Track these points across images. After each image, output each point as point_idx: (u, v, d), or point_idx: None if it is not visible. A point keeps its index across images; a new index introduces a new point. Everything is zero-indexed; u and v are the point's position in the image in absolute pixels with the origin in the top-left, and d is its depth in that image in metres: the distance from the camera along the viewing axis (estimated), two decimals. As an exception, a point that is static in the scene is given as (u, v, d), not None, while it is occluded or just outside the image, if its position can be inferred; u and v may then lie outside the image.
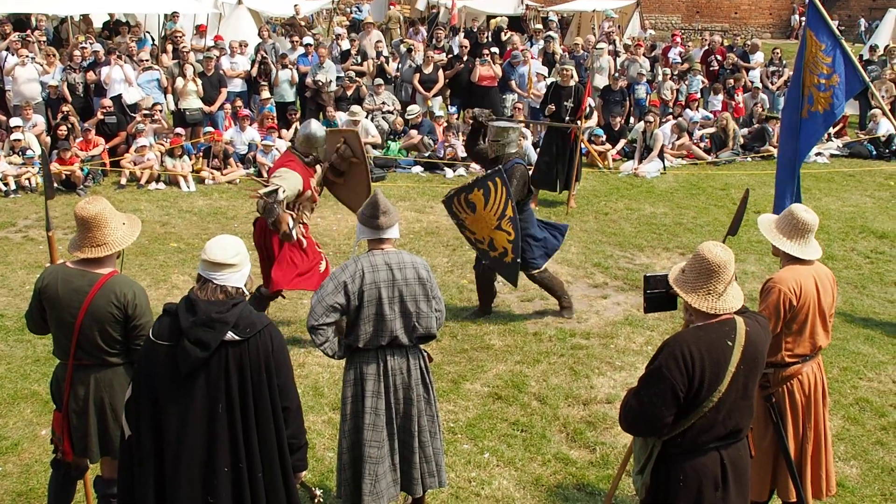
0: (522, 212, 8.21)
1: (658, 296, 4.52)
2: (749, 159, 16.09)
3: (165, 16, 19.92)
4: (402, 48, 17.75)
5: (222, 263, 4.02)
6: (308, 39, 17.94)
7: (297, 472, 4.33)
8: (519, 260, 8.07)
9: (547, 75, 16.77)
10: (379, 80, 16.50)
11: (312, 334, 4.92)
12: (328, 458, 6.19)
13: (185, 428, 3.98)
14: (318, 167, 8.08)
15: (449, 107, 16.72)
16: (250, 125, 15.08)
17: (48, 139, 14.17)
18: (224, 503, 4.03)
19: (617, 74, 16.79)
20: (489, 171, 8.02)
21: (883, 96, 16.35)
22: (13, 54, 15.33)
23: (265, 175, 13.76)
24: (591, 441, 6.44)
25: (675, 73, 18.12)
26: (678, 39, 21.11)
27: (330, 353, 5.00)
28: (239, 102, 15.60)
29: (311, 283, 7.76)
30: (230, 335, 3.96)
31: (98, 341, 4.64)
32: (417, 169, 15.07)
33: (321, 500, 4.77)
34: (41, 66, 15.47)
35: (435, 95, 16.57)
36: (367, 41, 18.24)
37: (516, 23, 25.28)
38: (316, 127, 7.87)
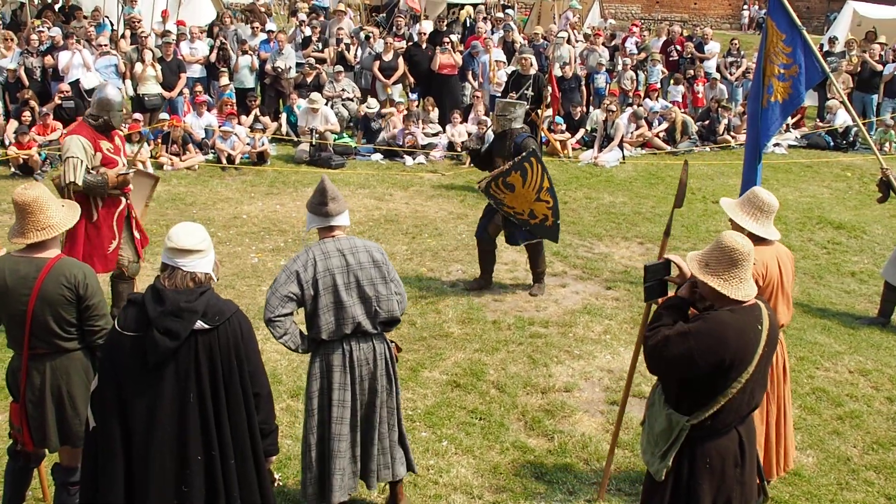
0: None
1: (656, 284, 4.71)
2: (707, 149, 16.27)
3: (124, 0, 19.64)
4: (362, 35, 17.68)
5: (190, 250, 4.02)
6: (271, 26, 17.81)
7: (269, 456, 4.36)
8: (559, 222, 8.70)
9: (507, 63, 16.82)
10: (339, 67, 16.44)
11: (270, 327, 4.86)
12: (286, 446, 6.19)
13: (155, 418, 3.98)
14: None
15: (409, 94, 16.70)
16: (208, 111, 14.97)
17: (5, 123, 13.96)
18: (197, 491, 4.05)
19: (563, 63, 16.81)
20: (523, 154, 8.39)
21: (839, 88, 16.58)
22: (-32, 37, 15.07)
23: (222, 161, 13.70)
24: (549, 429, 6.51)
25: (634, 63, 18.25)
26: (635, 29, 21.25)
27: (292, 347, 4.94)
28: (199, 88, 15.47)
29: (102, 264, 7.59)
30: (199, 324, 3.96)
31: (52, 326, 4.61)
32: (377, 156, 15.06)
33: (281, 483, 4.80)
34: (-1, 50, 15.24)
35: (395, 83, 16.54)
36: (334, 28, 18.13)
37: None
38: (111, 91, 7.66)
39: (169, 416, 3.99)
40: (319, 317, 4.88)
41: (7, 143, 13.60)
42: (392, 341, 5.24)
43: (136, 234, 7.97)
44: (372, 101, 15.58)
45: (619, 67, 18.12)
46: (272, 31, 17.21)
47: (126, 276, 7.93)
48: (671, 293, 4.84)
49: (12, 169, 13.13)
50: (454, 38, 17.36)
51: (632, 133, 16.05)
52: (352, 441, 5.06)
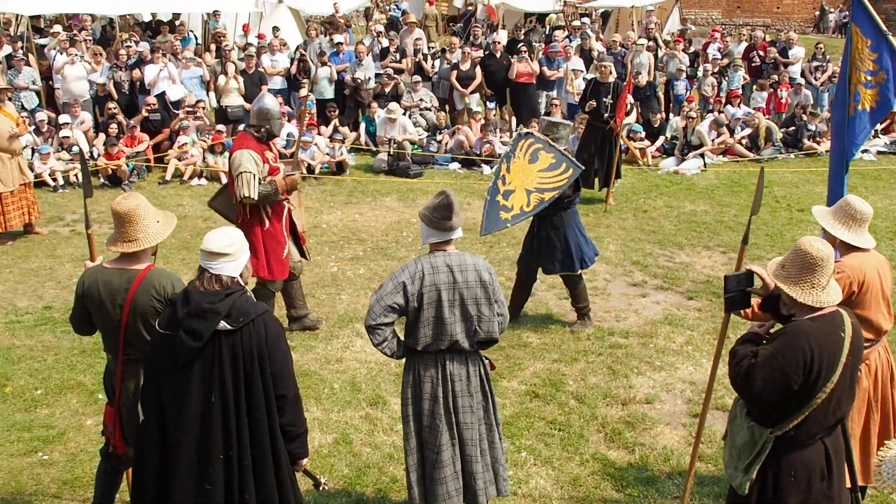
0: (568, 208, 8.18)
1: (737, 295, 4.62)
2: (792, 156, 15.90)
3: (208, 14, 20.12)
4: (439, 45, 17.75)
5: (217, 252, 4.13)
6: (339, 37, 18.03)
7: (298, 459, 4.40)
8: (510, 226, 8.06)
9: (584, 72, 16.72)
10: (417, 78, 16.54)
11: (370, 334, 4.84)
12: (365, 454, 6.24)
13: (182, 416, 4.11)
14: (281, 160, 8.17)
15: (487, 103, 16.72)
16: (289, 121, 15.19)
17: (95, 136, 14.43)
18: (219, 489, 4.13)
19: (637, 72, 16.63)
20: (572, 158, 8.09)
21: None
22: (62, 53, 15.62)
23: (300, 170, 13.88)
24: (629, 442, 6.42)
25: (716, 69, 17.95)
26: (717, 35, 20.90)
27: (388, 353, 4.93)
28: (279, 99, 15.70)
29: (280, 270, 7.79)
30: (223, 324, 4.05)
31: (144, 335, 4.72)
32: (455, 165, 15.08)
33: (326, 487, 4.82)
34: (89, 64, 15.76)
35: (472, 92, 16.57)
36: (409, 39, 18.29)
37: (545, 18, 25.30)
38: (269, 101, 7.89)
39: (194, 415, 4.11)
40: (419, 329, 4.85)
41: (97, 154, 14.02)
42: (486, 358, 5.17)
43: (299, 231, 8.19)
44: (393, 105, 15.55)
45: (700, 73, 17.84)
46: (340, 44, 17.41)
47: (294, 275, 8.12)
48: (754, 303, 4.75)
49: (101, 179, 13.54)
50: (535, 45, 17.30)
51: (713, 140, 15.78)
52: (451, 455, 4.97)
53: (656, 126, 15.87)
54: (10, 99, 12.30)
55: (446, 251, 4.94)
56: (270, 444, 4.20)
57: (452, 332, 4.85)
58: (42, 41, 17.92)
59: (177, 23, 20.06)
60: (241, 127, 8.07)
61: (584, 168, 8.01)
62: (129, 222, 4.66)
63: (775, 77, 17.72)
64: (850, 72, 8.13)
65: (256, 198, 7.35)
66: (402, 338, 5.00)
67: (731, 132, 16.08)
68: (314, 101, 16.07)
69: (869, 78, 7.98)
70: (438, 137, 15.45)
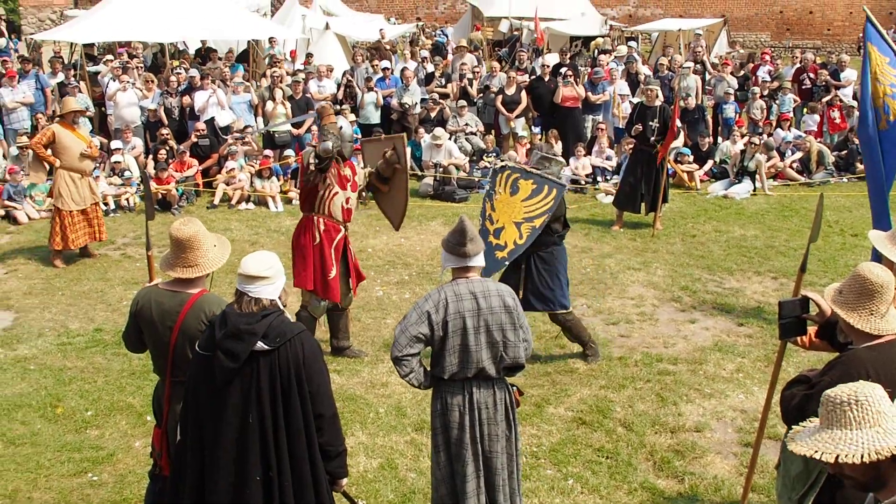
0: (559, 243, 8.00)
1: (792, 321, 4.54)
2: (844, 180, 15.63)
3: (269, 40, 20.40)
4: (484, 69, 17.80)
5: (255, 276, 4.14)
6: (385, 63, 18.17)
7: (338, 479, 4.38)
8: (507, 263, 7.85)
9: (630, 95, 16.65)
10: (462, 102, 16.58)
11: (396, 365, 4.82)
12: (410, 479, 6.20)
13: (220, 436, 4.13)
14: (359, 170, 8.36)
15: (532, 127, 16.70)
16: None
17: (146, 161, 14.67)
18: None
19: (686, 94, 16.52)
20: (552, 179, 7.82)
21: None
22: (115, 80, 15.92)
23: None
24: (679, 471, 6.30)
25: (766, 91, 17.76)
26: (767, 57, 20.70)
27: (416, 384, 4.90)
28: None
29: (323, 290, 7.89)
30: (260, 345, 4.06)
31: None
32: (501, 190, 15.04)
33: None
34: (140, 91, 16.05)
35: (518, 116, 16.57)
36: (458, 64, 18.38)
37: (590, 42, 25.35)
38: (342, 123, 8.09)
39: (232, 435, 4.12)
40: (444, 357, 4.82)
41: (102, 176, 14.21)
42: (514, 385, 5.12)
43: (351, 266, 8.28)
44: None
45: (749, 97, 17.66)
46: (387, 69, 17.54)
47: (340, 307, 8.21)
48: (810, 330, 4.65)
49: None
50: (580, 69, 17.28)
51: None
52: (476, 486, 4.94)
53: (704, 150, 15.73)
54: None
55: (468, 278, 4.90)
56: (309, 463, 4.19)
57: (479, 360, 4.82)
58: (94, 68, 18.29)
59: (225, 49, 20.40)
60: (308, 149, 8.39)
61: (566, 186, 7.75)
62: (189, 248, 4.70)
63: (826, 100, 17.48)
64: (872, 88, 8.10)
65: (330, 145, 7.65)
66: (429, 367, 4.97)
67: (782, 156, 15.88)
68: (359, 127, 16.18)
69: (894, 90, 8.00)
70: (481, 164, 15.43)
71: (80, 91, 15.93)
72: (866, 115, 8.25)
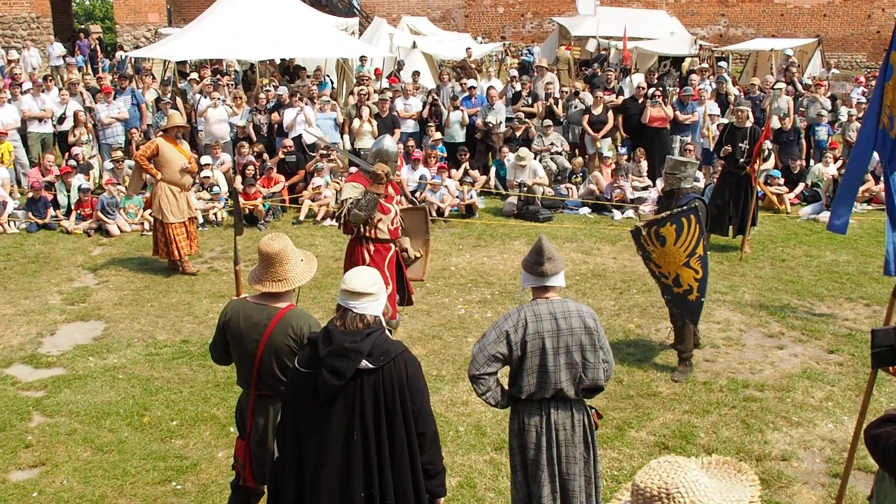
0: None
1: (886, 350, 4.41)
2: (942, 205, 15.08)
3: (360, 58, 20.75)
4: (569, 89, 17.75)
5: (361, 293, 4.13)
6: (471, 82, 18.22)
7: (436, 497, 4.36)
8: (703, 299, 7.84)
9: (720, 116, 16.39)
10: (548, 122, 16.53)
11: (474, 383, 4.80)
12: (489, 499, 6.17)
13: (324, 454, 4.13)
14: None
15: (618, 148, 16.56)
16: (424, 165, 15.41)
17: (234, 176, 15.00)
18: None
19: (783, 114, 16.18)
20: (683, 208, 7.82)
21: None
22: (206, 97, 16.33)
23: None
24: (764, 500, 6.11)
25: (860, 114, 17.26)
26: (862, 79, 20.16)
27: (492, 403, 4.87)
28: (411, 143, 15.96)
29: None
30: (364, 363, 4.06)
31: (276, 372, 4.82)
32: (585, 210, 14.95)
33: None
34: (230, 108, 16.43)
35: (604, 137, 16.44)
36: (540, 83, 18.36)
37: (680, 62, 25.02)
38: (388, 143, 8.14)
39: (335, 453, 4.11)
40: (522, 377, 4.78)
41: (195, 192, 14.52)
42: (592, 408, 5.05)
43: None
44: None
45: (844, 119, 17.20)
46: (473, 88, 17.60)
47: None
48: None
49: (240, 219, 13.94)
50: (669, 89, 17.10)
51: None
52: None
53: (796, 172, 15.37)
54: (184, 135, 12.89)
55: (548, 298, 4.84)
56: (412, 482, 4.18)
57: (557, 380, 4.76)
58: (182, 85, 18.81)
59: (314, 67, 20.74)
60: (353, 169, 8.59)
61: (697, 206, 7.70)
62: (278, 262, 4.78)
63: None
64: (892, 96, 8.19)
65: (362, 214, 7.75)
66: (506, 387, 4.93)
67: (876, 180, 15.41)
68: (444, 145, 16.27)
69: None
70: (561, 187, 15.37)
71: (173, 108, 16.36)
72: (873, 118, 8.41)
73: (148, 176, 11.37)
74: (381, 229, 7.97)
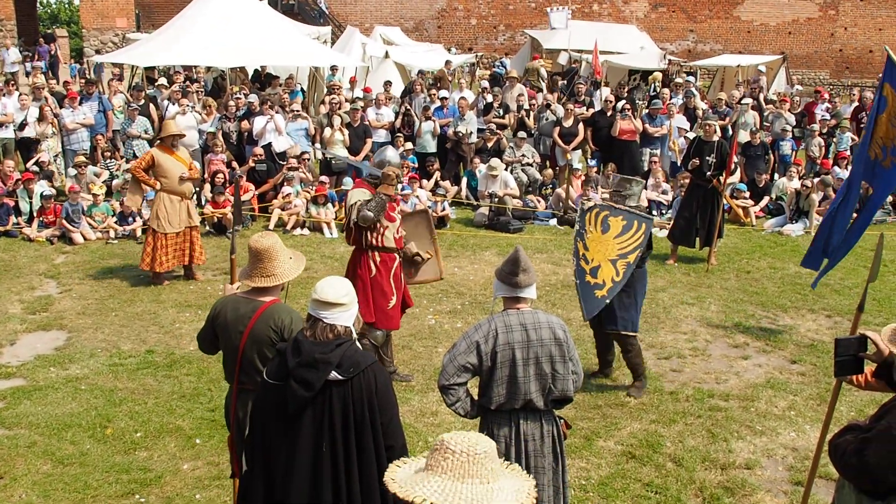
0: (642, 265, 8.05)
1: (849, 359, 4.49)
2: (902, 219, 15.38)
3: (331, 68, 20.73)
4: (540, 98, 17.87)
5: (333, 303, 4.15)
6: (443, 93, 18.30)
7: None
8: (608, 301, 7.82)
9: (689, 130, 16.59)
10: (522, 133, 16.61)
11: (443, 394, 4.81)
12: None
13: (292, 465, 4.13)
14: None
15: (588, 160, 16.70)
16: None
17: (203, 184, 14.91)
18: None
19: (755, 128, 16.43)
20: (642, 213, 7.92)
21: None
22: (174, 104, 16.22)
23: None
24: (728, 508, 6.22)
25: (824, 129, 17.57)
26: (825, 95, 20.48)
27: (462, 413, 4.88)
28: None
29: (383, 321, 7.99)
30: (334, 374, 4.07)
31: (257, 364, 4.89)
32: (554, 221, 15.06)
33: None
34: (200, 115, 16.34)
35: (575, 149, 16.58)
36: (510, 94, 18.48)
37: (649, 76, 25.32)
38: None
39: (304, 465, 4.11)
40: (492, 388, 4.79)
41: (203, 202, 14.45)
42: (561, 418, 5.09)
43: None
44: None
45: (807, 134, 17.49)
46: (445, 98, 17.67)
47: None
48: (867, 370, 4.59)
49: (207, 227, 13.83)
50: (638, 102, 17.29)
51: (819, 201, 15.38)
52: None
53: (761, 186, 15.59)
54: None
55: (519, 309, 4.86)
56: (381, 494, 4.18)
57: (527, 391, 4.78)
58: (151, 91, 18.66)
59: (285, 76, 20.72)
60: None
61: (653, 218, 7.79)
62: (267, 259, 4.91)
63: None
64: (885, 128, 8.06)
65: (371, 215, 7.71)
66: (476, 397, 4.95)
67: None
68: (415, 155, 16.31)
69: None
70: (528, 198, 15.49)
71: (141, 114, 16.17)
72: (865, 145, 8.37)
73: (148, 188, 11.27)
74: (388, 237, 7.99)
